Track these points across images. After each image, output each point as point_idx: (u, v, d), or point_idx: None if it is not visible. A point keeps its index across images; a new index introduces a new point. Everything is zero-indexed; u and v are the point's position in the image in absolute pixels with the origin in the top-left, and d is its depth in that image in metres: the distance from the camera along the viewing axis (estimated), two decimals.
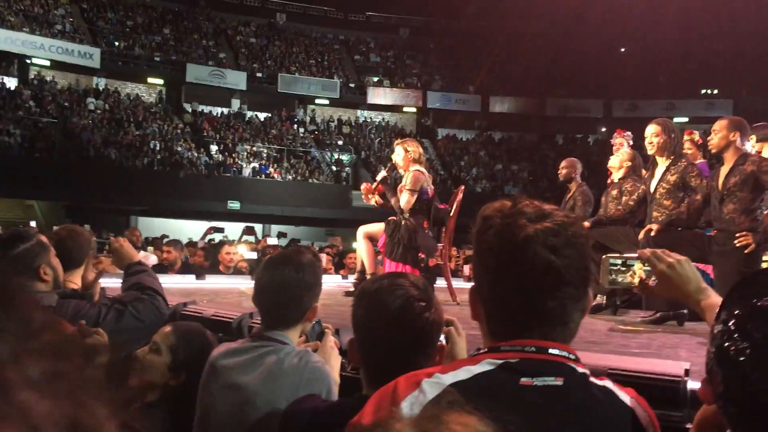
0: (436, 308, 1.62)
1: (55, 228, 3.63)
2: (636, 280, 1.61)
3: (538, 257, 1.15)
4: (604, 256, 1.65)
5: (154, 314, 2.60)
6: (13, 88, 25.07)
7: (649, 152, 4.93)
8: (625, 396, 1.22)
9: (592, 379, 1.20)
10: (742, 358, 1.06)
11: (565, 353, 1.19)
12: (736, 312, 1.09)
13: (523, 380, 1.13)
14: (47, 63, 26.79)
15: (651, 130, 4.87)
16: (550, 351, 1.17)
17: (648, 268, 1.59)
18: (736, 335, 1.07)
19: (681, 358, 2.63)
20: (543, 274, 1.16)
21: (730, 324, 1.09)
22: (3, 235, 2.71)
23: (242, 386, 2.04)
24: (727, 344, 1.09)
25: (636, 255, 1.63)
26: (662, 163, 4.86)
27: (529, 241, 1.16)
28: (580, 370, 1.19)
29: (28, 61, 26.49)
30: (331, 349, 2.18)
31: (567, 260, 1.17)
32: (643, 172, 5.64)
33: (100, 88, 27.89)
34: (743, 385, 1.07)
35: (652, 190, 4.89)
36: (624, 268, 1.63)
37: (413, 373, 1.20)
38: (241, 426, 1.99)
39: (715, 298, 1.51)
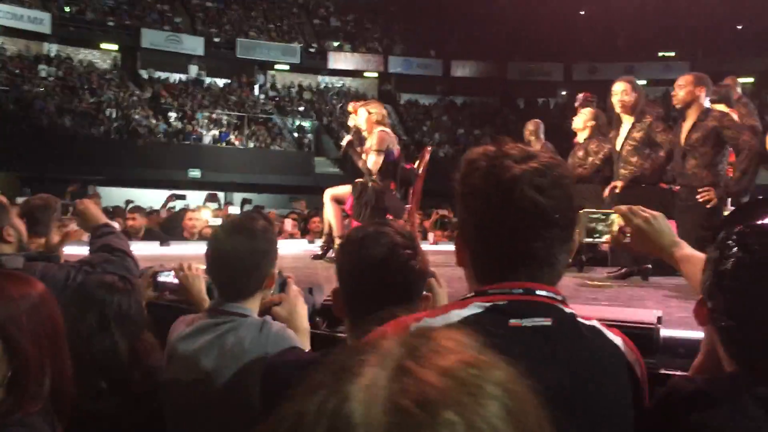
0: (422, 257, 1.60)
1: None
2: (615, 229, 1.65)
3: (524, 197, 1.14)
4: (581, 211, 1.67)
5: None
6: None
7: (617, 110, 4.94)
8: (612, 335, 1.23)
9: (580, 319, 1.20)
10: (741, 272, 1.09)
11: (552, 294, 1.19)
12: (737, 230, 1.12)
13: (512, 321, 1.13)
14: None
15: (620, 87, 4.86)
16: (538, 292, 1.17)
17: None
18: (736, 250, 1.11)
19: (649, 308, 2.68)
20: (529, 215, 1.15)
21: (730, 241, 1.12)
22: None
23: (205, 371, 1.92)
24: (726, 260, 1.12)
25: (612, 210, 1.68)
26: (627, 121, 4.89)
27: (516, 181, 1.15)
28: (568, 310, 1.20)
29: None
30: (295, 298, 2.12)
31: (554, 201, 1.16)
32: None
33: (52, 55, 26.97)
34: (743, 299, 1.11)
35: (618, 148, 4.92)
36: (603, 217, 1.67)
37: (402, 318, 1.20)
38: (211, 411, 1.90)
39: (688, 250, 1.55)
